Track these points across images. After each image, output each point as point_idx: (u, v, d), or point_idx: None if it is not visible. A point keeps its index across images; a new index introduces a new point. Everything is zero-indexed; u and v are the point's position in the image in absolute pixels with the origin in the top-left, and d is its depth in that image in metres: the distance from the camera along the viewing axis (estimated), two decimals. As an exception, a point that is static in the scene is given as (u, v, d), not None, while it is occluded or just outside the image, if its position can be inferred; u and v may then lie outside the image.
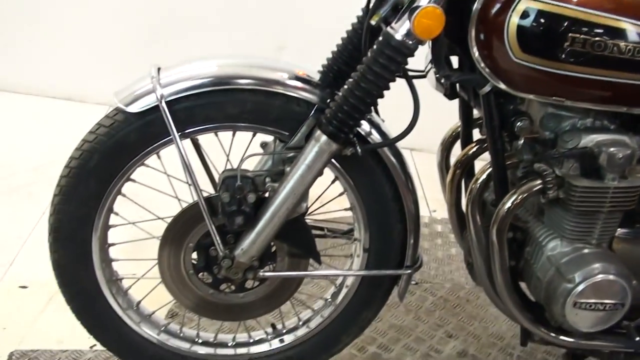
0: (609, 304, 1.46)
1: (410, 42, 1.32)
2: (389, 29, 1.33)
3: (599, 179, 1.43)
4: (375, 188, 1.53)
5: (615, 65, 1.33)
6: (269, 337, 1.71)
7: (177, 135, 1.39)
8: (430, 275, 2.37)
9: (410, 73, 1.44)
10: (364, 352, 1.95)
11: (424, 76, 1.54)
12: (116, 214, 1.54)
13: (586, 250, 1.48)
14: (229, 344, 1.70)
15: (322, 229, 1.69)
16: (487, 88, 1.41)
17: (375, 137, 1.47)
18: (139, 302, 1.63)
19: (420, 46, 1.35)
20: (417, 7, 1.29)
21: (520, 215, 1.59)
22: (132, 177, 1.50)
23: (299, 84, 1.44)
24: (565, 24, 1.30)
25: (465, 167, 1.70)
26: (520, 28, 1.31)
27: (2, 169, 2.79)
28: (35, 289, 2.08)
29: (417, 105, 1.41)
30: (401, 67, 1.36)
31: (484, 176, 1.54)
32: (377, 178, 1.52)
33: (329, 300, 1.68)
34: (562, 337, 1.56)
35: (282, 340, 1.70)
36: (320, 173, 1.44)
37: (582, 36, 1.31)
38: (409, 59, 1.36)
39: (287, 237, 1.52)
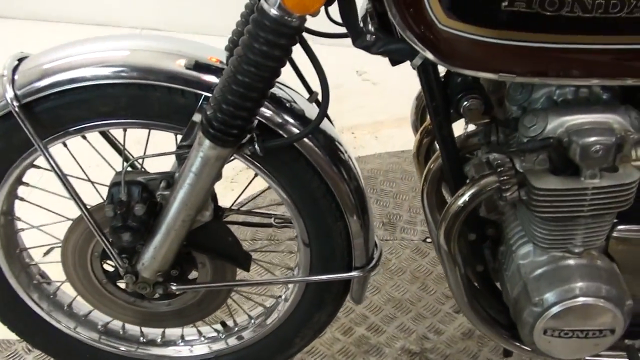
0: (593, 330, 1.13)
1: (291, 19, 0.99)
2: (262, 1, 1.00)
3: (574, 175, 1.06)
4: (300, 184, 1.24)
5: (580, 28, 0.94)
6: (221, 335, 1.51)
7: (40, 143, 1.17)
8: (452, 229, 2.06)
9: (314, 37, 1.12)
10: (349, 335, 1.72)
11: (338, 35, 1.18)
12: (18, 219, 1.37)
13: (565, 262, 1.14)
14: (179, 343, 1.53)
15: (270, 216, 1.44)
16: (417, 60, 1.06)
17: (289, 127, 1.17)
18: (70, 304, 1.48)
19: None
20: None
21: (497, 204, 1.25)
22: (25, 180, 1.31)
23: (185, 71, 1.15)
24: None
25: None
26: (441, -17, 0.94)
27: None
28: None
29: (323, 82, 1.08)
30: (289, 50, 1.03)
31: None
32: (300, 173, 1.23)
33: (280, 297, 1.45)
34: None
35: (240, 338, 1.51)
36: (215, 179, 1.17)
37: (526, -8, 0.92)
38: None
39: (201, 245, 1.29)
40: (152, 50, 1.19)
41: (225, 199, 1.69)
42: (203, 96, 1.14)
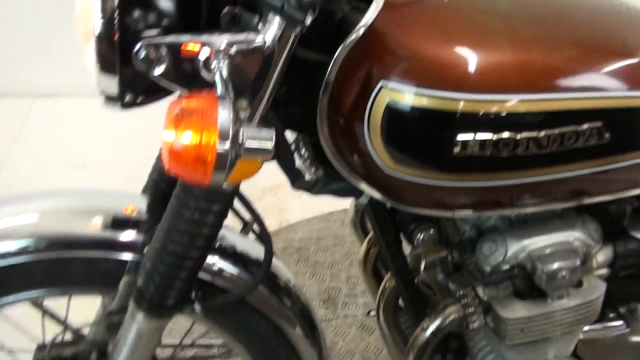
0: None
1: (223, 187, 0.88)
2: (189, 165, 0.88)
3: (540, 296, 1.01)
4: (247, 328, 1.13)
5: (536, 164, 0.88)
6: None
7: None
8: (395, 297, 2.00)
9: None
10: None
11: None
12: None
13: (537, 379, 1.08)
14: None
15: (211, 347, 1.32)
16: (363, 200, 0.98)
17: (230, 278, 1.06)
18: None
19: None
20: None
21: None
22: None
23: (103, 235, 1.02)
24: (453, 122, 0.84)
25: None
26: (385, 131, 0.86)
27: None
28: None
29: (266, 236, 0.98)
30: (224, 214, 0.92)
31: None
32: (246, 318, 1.12)
33: None
34: None
35: None
36: (155, 346, 1.05)
37: (477, 136, 0.85)
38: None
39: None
40: (62, 211, 1.05)
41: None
42: (129, 262, 1.02)
